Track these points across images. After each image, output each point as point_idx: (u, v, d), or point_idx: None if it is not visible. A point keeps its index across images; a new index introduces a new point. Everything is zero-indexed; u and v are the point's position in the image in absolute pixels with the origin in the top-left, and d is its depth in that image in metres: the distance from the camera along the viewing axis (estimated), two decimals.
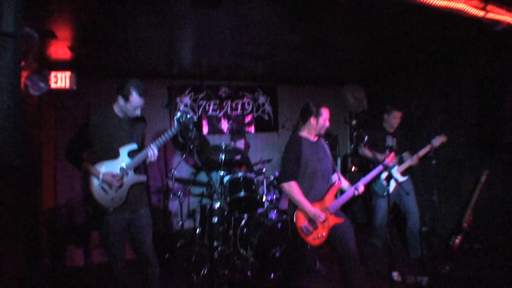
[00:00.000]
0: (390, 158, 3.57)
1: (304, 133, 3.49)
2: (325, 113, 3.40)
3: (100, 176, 2.94)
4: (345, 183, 3.56)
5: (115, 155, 3.02)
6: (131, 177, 3.06)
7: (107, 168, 2.99)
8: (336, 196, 3.39)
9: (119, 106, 3.04)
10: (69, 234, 4.89)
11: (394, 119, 4.75)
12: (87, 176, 2.99)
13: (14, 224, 3.50)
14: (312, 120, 3.39)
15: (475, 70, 5.07)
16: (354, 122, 3.84)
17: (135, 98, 2.94)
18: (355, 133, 4.28)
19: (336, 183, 3.46)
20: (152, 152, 3.02)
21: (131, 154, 3.07)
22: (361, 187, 3.35)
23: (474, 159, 5.11)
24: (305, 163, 3.34)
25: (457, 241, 4.51)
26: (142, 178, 3.16)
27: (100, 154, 3.02)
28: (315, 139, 3.51)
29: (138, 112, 3.05)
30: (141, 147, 3.21)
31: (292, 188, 3.29)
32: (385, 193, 4.64)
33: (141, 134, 3.26)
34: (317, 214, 3.21)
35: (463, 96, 5.27)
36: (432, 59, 5.41)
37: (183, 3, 3.26)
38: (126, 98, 2.95)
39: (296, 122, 3.67)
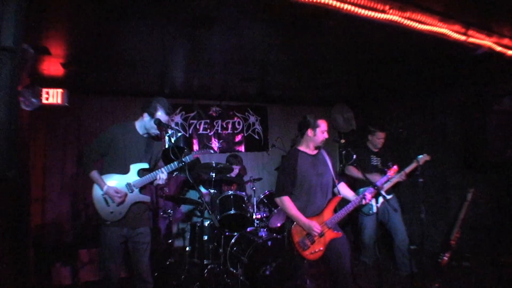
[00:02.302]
0: (393, 171, 3.54)
1: (302, 147, 3.42)
2: (322, 124, 3.32)
3: (104, 189, 2.97)
4: (350, 193, 3.47)
5: (125, 171, 3.05)
6: (134, 195, 3.08)
7: (114, 181, 3.01)
8: (335, 210, 3.29)
9: (143, 123, 3.11)
10: (56, 252, 4.81)
11: (378, 139, 4.83)
12: (92, 184, 3.02)
13: (0, 241, 3.44)
14: (310, 132, 3.33)
15: (459, 91, 5.23)
16: (343, 141, 3.87)
17: (161, 116, 3.04)
18: (344, 152, 4.34)
19: (335, 197, 3.34)
20: (162, 175, 3.06)
21: (140, 172, 3.10)
22: (368, 196, 3.28)
23: (460, 177, 5.21)
24: (302, 178, 3.28)
25: (445, 258, 4.55)
26: (145, 197, 3.16)
27: (111, 166, 3.05)
28: (314, 152, 3.41)
29: None
30: (153, 167, 3.24)
31: (284, 202, 3.26)
32: (371, 211, 4.69)
33: (155, 155, 3.29)
34: (311, 226, 3.13)
35: (448, 117, 5.42)
36: (417, 81, 5.56)
37: (177, 23, 3.34)
38: (152, 115, 3.03)
39: (294, 136, 3.69)
